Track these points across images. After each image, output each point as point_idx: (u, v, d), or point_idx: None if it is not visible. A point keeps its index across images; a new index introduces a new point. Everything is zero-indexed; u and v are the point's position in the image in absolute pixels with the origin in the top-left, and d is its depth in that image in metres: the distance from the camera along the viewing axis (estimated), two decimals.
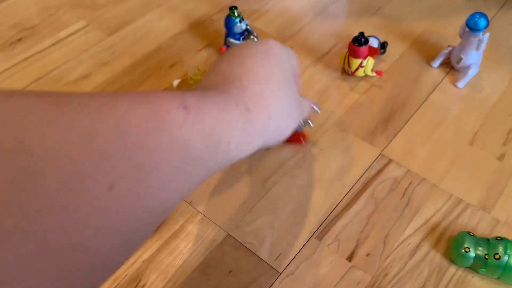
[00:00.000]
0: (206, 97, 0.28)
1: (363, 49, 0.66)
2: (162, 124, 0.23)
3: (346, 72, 0.71)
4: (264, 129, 0.32)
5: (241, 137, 0.29)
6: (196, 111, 0.25)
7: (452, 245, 0.52)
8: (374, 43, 0.72)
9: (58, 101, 0.19)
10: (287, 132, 0.36)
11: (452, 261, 0.52)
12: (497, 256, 0.48)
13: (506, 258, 0.48)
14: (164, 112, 0.23)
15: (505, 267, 0.48)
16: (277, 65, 0.35)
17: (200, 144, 0.25)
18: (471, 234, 0.52)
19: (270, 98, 0.33)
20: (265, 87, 0.33)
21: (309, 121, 0.56)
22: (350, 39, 0.67)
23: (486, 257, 0.49)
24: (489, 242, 0.50)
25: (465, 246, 0.50)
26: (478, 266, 0.50)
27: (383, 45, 0.73)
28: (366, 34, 0.70)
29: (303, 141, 0.59)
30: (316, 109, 0.56)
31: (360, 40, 0.65)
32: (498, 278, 0.50)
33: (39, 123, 0.18)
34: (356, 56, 0.67)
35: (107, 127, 0.20)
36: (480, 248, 0.50)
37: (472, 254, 0.50)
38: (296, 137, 0.60)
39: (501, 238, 0.50)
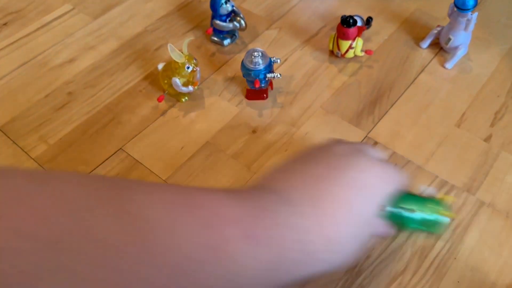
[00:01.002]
0: (279, 220, 0.26)
1: (353, 30, 0.65)
2: (221, 256, 0.22)
3: (335, 55, 0.70)
4: (322, 264, 0.30)
5: (294, 270, 0.28)
6: (264, 241, 0.24)
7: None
8: (357, 23, 0.71)
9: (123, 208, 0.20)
10: (341, 263, 0.32)
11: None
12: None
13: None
14: (225, 242, 0.22)
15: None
16: (365, 201, 0.33)
17: (257, 272, 0.24)
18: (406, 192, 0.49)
19: (340, 238, 0.30)
20: (342, 224, 0.30)
21: (277, 74, 0.62)
22: (339, 20, 0.66)
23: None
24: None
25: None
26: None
27: (368, 21, 0.72)
28: (348, 14, 0.69)
29: (265, 97, 0.64)
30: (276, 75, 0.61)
31: (348, 21, 0.65)
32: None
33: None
34: (346, 38, 0.66)
35: (169, 259, 0.20)
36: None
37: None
38: (259, 94, 0.64)
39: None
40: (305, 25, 0.76)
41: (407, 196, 0.43)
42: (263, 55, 0.61)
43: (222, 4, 0.68)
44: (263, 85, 0.62)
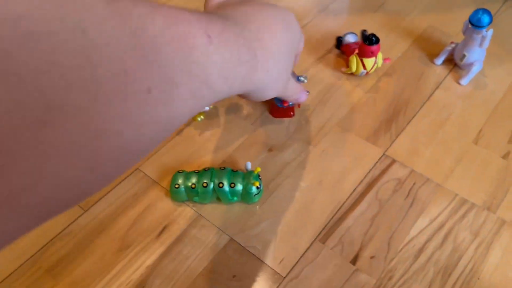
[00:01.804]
0: (227, 31, 0.30)
1: (377, 47, 0.65)
2: (188, 47, 0.25)
3: (358, 75, 0.69)
4: (259, 81, 0.35)
5: (243, 78, 0.32)
6: (217, 43, 0.28)
7: (170, 187, 0.56)
8: (351, 38, 0.71)
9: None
10: (268, 96, 0.39)
11: (172, 200, 0.57)
12: (204, 184, 0.53)
13: (211, 184, 0.53)
14: (191, 37, 0.25)
15: (215, 191, 0.54)
16: (291, 35, 0.39)
17: (215, 73, 0.28)
18: (181, 171, 0.56)
19: (274, 58, 0.36)
20: (275, 46, 0.36)
21: (303, 77, 0.62)
22: (361, 40, 0.66)
23: (193, 186, 0.54)
24: (198, 173, 0.55)
25: (175, 183, 0.54)
26: (191, 196, 0.55)
27: (368, 37, 0.71)
28: (345, 32, 0.70)
29: (292, 114, 0.64)
30: (303, 79, 0.62)
31: (372, 39, 0.64)
32: (230, 203, 0.56)
33: (97, 16, 0.19)
34: (373, 55, 0.66)
35: (148, 38, 0.22)
36: (189, 181, 0.54)
37: (182, 188, 0.54)
38: (287, 111, 0.64)
39: (208, 168, 0.55)
40: (319, 43, 0.76)
41: (230, 172, 0.54)
42: (292, 74, 0.61)
43: None
44: (291, 103, 0.61)
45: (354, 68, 0.68)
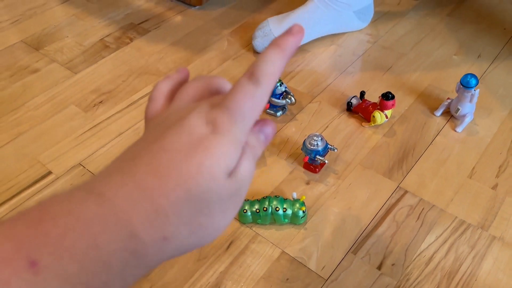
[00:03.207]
0: (70, 234, 0.21)
1: (394, 100, 0.84)
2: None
3: (378, 124, 0.87)
4: (158, 256, 0.25)
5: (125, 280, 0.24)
6: (49, 266, 0.20)
7: (239, 212, 0.69)
8: (355, 100, 0.89)
9: None
10: (209, 240, 0.27)
11: (240, 222, 0.73)
12: (264, 209, 0.70)
13: (270, 208, 0.70)
14: (4, 283, 0.19)
15: (272, 214, 0.70)
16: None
17: None
18: (246, 200, 0.72)
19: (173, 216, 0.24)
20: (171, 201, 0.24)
21: (333, 147, 0.78)
22: (367, 95, 0.85)
23: (257, 211, 0.71)
24: (259, 201, 0.72)
25: (243, 209, 0.72)
26: (255, 219, 0.72)
27: (362, 94, 0.90)
28: (373, 89, 0.88)
29: (318, 171, 0.80)
30: (334, 149, 0.77)
31: (388, 96, 0.83)
32: (282, 224, 0.72)
33: None
34: (392, 107, 0.84)
35: None
36: (253, 207, 0.71)
37: (248, 213, 0.71)
38: (314, 167, 0.79)
39: (266, 197, 0.72)
40: (340, 98, 0.95)
41: (282, 199, 0.71)
42: (322, 139, 0.77)
43: (278, 86, 0.87)
44: (319, 161, 0.78)
45: (379, 121, 0.86)
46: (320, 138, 0.77)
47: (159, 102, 0.30)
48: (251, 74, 0.26)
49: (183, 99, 0.29)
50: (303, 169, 0.81)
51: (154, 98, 0.31)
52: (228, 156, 0.25)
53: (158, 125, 0.27)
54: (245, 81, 0.26)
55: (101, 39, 1.13)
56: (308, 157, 0.78)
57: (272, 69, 0.26)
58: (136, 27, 1.17)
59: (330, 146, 0.79)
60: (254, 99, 0.25)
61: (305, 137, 0.78)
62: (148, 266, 0.25)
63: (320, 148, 0.77)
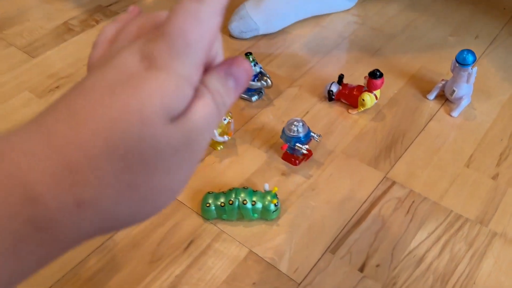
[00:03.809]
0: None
1: (383, 79, 0.74)
2: None
3: (367, 109, 0.77)
4: (72, 229, 0.19)
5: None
6: None
7: (201, 205, 0.63)
8: (335, 87, 0.79)
9: None
10: (150, 211, 0.22)
11: (203, 218, 0.64)
12: (230, 202, 0.61)
13: (236, 201, 0.61)
14: None
15: (239, 208, 0.61)
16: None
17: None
18: (211, 192, 0.63)
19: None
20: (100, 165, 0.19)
21: (316, 136, 0.68)
22: (353, 78, 0.75)
23: (222, 204, 0.61)
24: (225, 194, 0.62)
25: (206, 202, 0.62)
26: (220, 214, 0.62)
27: (340, 78, 0.79)
28: (359, 73, 0.78)
29: (298, 163, 0.70)
30: (317, 138, 0.68)
31: (376, 73, 0.73)
32: (250, 219, 0.62)
33: None
34: (381, 86, 0.74)
35: None
36: (218, 200, 0.62)
37: (212, 207, 0.62)
38: (293, 159, 0.70)
39: (233, 188, 0.63)
40: (323, 82, 0.85)
41: (251, 191, 0.62)
42: (303, 125, 0.67)
43: (252, 66, 0.77)
44: (300, 153, 0.68)
45: (370, 104, 0.76)
46: (301, 123, 0.67)
47: (102, 46, 0.24)
48: None
49: (123, 39, 0.23)
50: (278, 159, 0.71)
51: (97, 44, 0.25)
52: (167, 95, 0.19)
53: (90, 69, 0.23)
54: (186, 0, 0.20)
55: (65, 22, 1.04)
56: (287, 145, 0.68)
57: None
58: (104, 9, 1.08)
59: (313, 134, 0.69)
60: (198, 21, 0.20)
61: (282, 123, 0.69)
62: (59, 242, 0.19)
63: (301, 135, 0.67)
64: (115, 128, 0.18)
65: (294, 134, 0.67)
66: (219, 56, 0.24)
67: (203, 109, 0.20)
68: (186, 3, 0.20)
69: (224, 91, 0.22)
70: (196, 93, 0.21)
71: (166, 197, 0.21)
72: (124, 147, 0.18)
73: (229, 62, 0.22)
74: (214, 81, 0.22)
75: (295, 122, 0.67)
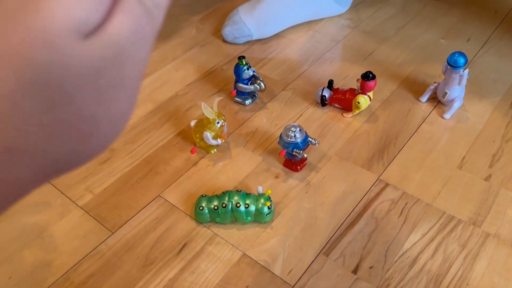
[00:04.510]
0: None
1: (375, 80, 0.74)
2: None
3: (362, 111, 0.77)
4: (8, 178, 0.18)
5: None
6: None
7: (194, 209, 0.63)
8: (327, 92, 0.79)
9: None
10: (94, 148, 0.20)
11: (197, 221, 0.64)
12: (224, 205, 0.60)
13: (230, 204, 0.61)
14: None
15: (233, 211, 0.61)
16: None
17: None
18: (204, 195, 0.63)
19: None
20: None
21: (314, 141, 0.68)
22: (345, 81, 0.75)
23: (216, 208, 0.61)
24: (219, 197, 0.62)
25: (200, 205, 0.62)
26: (214, 217, 0.62)
27: (330, 83, 0.79)
28: (352, 76, 0.79)
29: (300, 169, 0.70)
30: (315, 142, 0.67)
31: (369, 75, 0.73)
32: (244, 223, 0.62)
33: None
34: (374, 87, 0.75)
35: None
36: (212, 203, 0.61)
37: (206, 210, 0.62)
38: (295, 165, 0.69)
39: (227, 191, 0.62)
40: (316, 86, 0.85)
41: (244, 194, 0.62)
42: (300, 130, 0.67)
43: (245, 70, 0.78)
44: (298, 158, 0.67)
45: (364, 106, 0.76)
46: (298, 129, 0.67)
47: None
48: None
49: None
50: (272, 162, 0.72)
51: None
52: (73, 6, 0.16)
53: None
54: None
55: None
56: (285, 151, 0.68)
57: None
58: None
59: (310, 139, 0.69)
60: None
61: (276, 126, 0.69)
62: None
63: (298, 140, 0.67)
64: (21, 57, 0.16)
65: (292, 139, 0.67)
66: None
67: (127, 16, 0.17)
68: None
69: None
70: None
71: (110, 128, 0.19)
72: (37, 78, 0.16)
73: None
74: None
75: (292, 128, 0.67)
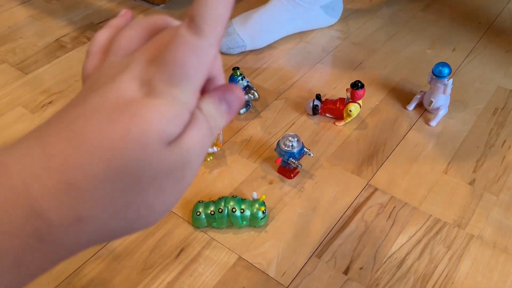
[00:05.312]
0: None
1: (363, 90, 0.78)
2: None
3: (350, 118, 0.81)
4: (71, 241, 0.21)
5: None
6: None
7: (191, 214, 0.66)
8: (318, 102, 0.82)
9: None
10: (142, 226, 0.23)
11: (194, 226, 0.66)
12: (220, 210, 0.63)
13: (226, 209, 0.63)
14: None
15: (229, 216, 0.64)
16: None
17: None
18: (201, 201, 0.66)
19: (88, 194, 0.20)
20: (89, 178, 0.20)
21: (309, 152, 0.70)
22: (336, 91, 0.79)
23: (212, 213, 0.63)
24: (215, 202, 0.65)
25: (197, 211, 0.64)
26: (210, 222, 0.65)
27: (318, 96, 0.83)
28: (342, 86, 0.82)
29: (293, 177, 0.72)
30: (310, 153, 0.70)
31: (358, 84, 0.77)
32: (240, 227, 0.65)
33: None
34: (363, 95, 0.78)
35: None
36: (208, 209, 0.64)
37: (202, 215, 0.64)
38: (288, 173, 0.72)
39: (223, 197, 0.65)
40: (308, 95, 0.89)
41: (239, 199, 0.64)
42: (298, 141, 0.70)
43: (239, 80, 0.81)
44: (292, 166, 0.70)
45: (356, 113, 0.79)
46: (296, 139, 0.70)
47: (96, 56, 0.25)
48: (191, 21, 0.20)
49: (117, 52, 0.24)
50: (266, 168, 0.74)
51: (91, 52, 0.25)
52: (165, 120, 0.20)
53: (89, 86, 0.22)
54: (185, 31, 0.20)
55: (57, 39, 1.06)
56: (281, 159, 0.71)
57: (215, 11, 0.21)
58: (95, 26, 1.11)
59: (306, 150, 0.71)
60: (197, 54, 0.21)
61: (269, 134, 0.72)
62: (58, 253, 0.20)
63: (295, 150, 0.69)
64: (115, 151, 0.19)
65: (289, 149, 0.69)
66: (219, 74, 0.26)
67: (198, 132, 0.21)
68: (186, 36, 0.20)
69: (217, 115, 0.23)
70: (192, 117, 0.22)
71: (159, 213, 0.23)
72: (122, 169, 0.20)
73: (223, 88, 0.24)
74: (209, 106, 0.23)
75: (290, 138, 0.70)
